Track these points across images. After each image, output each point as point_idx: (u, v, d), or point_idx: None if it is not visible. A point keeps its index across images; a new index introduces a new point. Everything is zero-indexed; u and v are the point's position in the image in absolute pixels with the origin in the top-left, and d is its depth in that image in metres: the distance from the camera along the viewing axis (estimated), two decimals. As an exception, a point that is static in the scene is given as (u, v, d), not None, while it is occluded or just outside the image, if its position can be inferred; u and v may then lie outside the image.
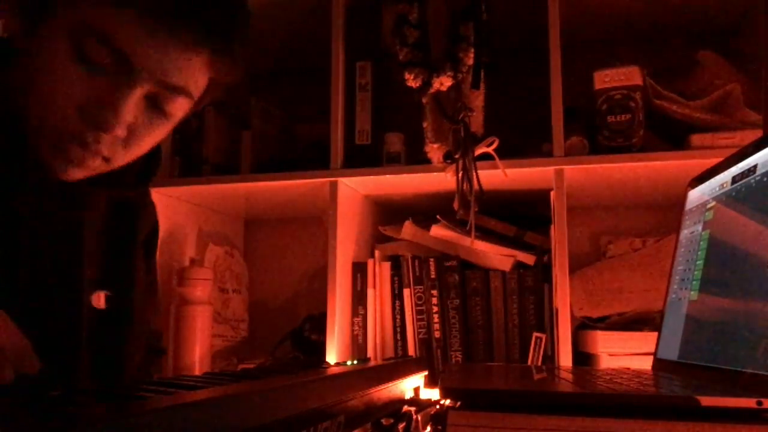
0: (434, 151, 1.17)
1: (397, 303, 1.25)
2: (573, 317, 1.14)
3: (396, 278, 1.26)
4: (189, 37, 0.63)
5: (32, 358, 0.54)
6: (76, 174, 0.68)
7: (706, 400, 0.49)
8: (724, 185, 0.76)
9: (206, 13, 0.64)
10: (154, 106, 0.67)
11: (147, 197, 0.89)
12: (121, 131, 0.65)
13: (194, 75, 0.66)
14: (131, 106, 0.64)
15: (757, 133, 1.08)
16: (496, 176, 1.15)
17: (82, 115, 0.63)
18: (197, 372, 1.25)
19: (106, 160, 0.68)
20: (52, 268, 0.71)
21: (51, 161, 0.66)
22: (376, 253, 1.28)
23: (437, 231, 1.26)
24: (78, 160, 0.66)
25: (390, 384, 0.66)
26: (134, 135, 0.67)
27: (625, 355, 1.09)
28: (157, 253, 0.92)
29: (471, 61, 1.13)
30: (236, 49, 0.69)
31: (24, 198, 0.69)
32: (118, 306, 0.77)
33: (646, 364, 0.90)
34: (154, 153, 0.80)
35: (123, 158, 0.69)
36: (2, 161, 0.67)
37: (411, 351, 1.23)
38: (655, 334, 0.87)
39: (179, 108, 0.68)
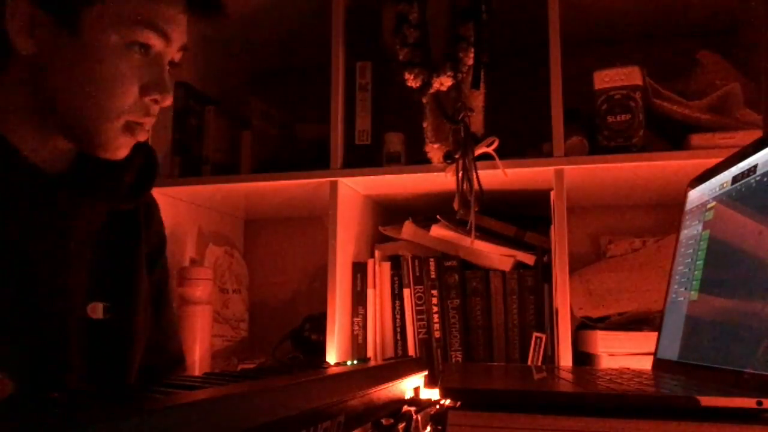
0: (434, 151, 1.17)
1: (397, 303, 1.25)
2: (573, 317, 1.14)
3: (396, 278, 1.26)
4: (191, 4, 0.76)
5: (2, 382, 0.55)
6: (126, 150, 0.76)
7: (706, 400, 0.49)
8: (724, 185, 0.76)
9: None
10: (171, 66, 0.77)
11: (151, 210, 0.89)
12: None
13: (187, 30, 0.78)
14: (169, 74, 0.76)
15: (757, 133, 1.08)
16: (496, 176, 1.15)
17: (145, 93, 0.73)
18: (197, 372, 1.25)
19: (147, 130, 0.77)
20: (37, 276, 0.70)
21: (111, 142, 0.73)
22: (376, 253, 1.28)
23: (437, 231, 1.26)
24: (139, 133, 0.75)
25: (390, 384, 0.66)
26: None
27: (625, 355, 1.09)
28: (167, 270, 0.93)
29: (471, 61, 1.13)
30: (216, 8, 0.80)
31: (13, 203, 0.69)
32: (117, 317, 0.77)
33: (646, 364, 0.90)
34: (147, 166, 0.83)
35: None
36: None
37: (411, 351, 1.23)
38: (655, 334, 0.87)
39: (182, 61, 0.79)
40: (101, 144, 0.73)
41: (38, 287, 0.70)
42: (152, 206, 0.90)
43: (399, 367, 0.74)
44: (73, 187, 0.74)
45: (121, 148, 0.75)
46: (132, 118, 0.73)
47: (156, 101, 0.74)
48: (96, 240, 0.78)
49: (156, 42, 0.72)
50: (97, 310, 0.75)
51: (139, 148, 0.81)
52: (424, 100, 1.18)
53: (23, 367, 0.65)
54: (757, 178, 0.68)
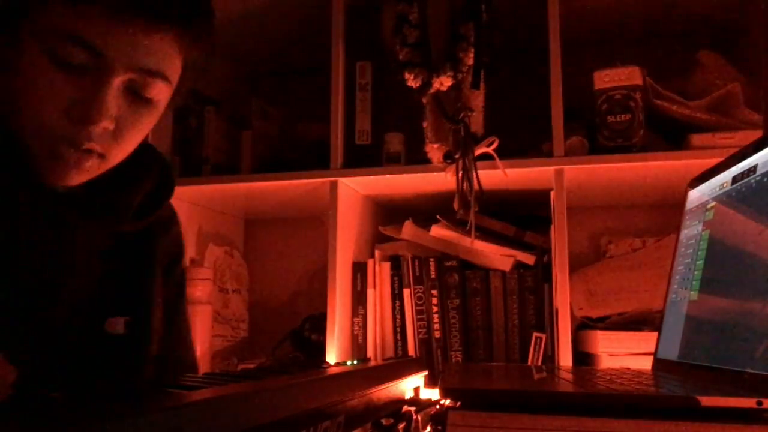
0: (434, 151, 1.17)
1: (397, 303, 1.25)
2: (573, 317, 1.14)
3: (396, 278, 1.26)
4: (152, 18, 0.65)
5: (6, 367, 0.55)
6: (75, 178, 0.68)
7: (706, 400, 0.49)
8: (725, 185, 0.76)
9: None
10: (135, 94, 0.68)
11: (170, 224, 0.87)
12: (108, 123, 0.66)
13: (165, 56, 0.68)
14: (113, 97, 0.65)
15: (757, 133, 1.08)
16: (496, 176, 1.15)
17: (69, 116, 0.64)
18: (197, 372, 1.25)
19: (101, 156, 0.68)
20: (38, 288, 0.69)
21: (48, 168, 0.67)
22: (376, 253, 1.28)
23: (437, 231, 1.26)
24: (74, 161, 0.67)
25: (390, 384, 0.66)
26: (122, 126, 0.68)
27: (625, 355, 1.09)
28: (185, 286, 0.91)
29: (471, 61, 1.13)
30: (201, 23, 0.71)
31: (16, 212, 0.68)
32: (133, 331, 0.76)
33: (646, 364, 0.90)
34: (162, 184, 0.81)
35: (117, 152, 0.70)
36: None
37: (411, 351, 1.23)
38: (655, 334, 0.87)
39: (159, 92, 0.69)
40: (35, 169, 0.67)
41: (39, 298, 0.69)
42: (173, 216, 0.89)
43: (399, 367, 0.74)
44: (74, 207, 0.72)
45: (56, 177, 0.67)
46: (60, 143, 0.65)
47: (81, 121, 0.64)
48: (109, 253, 0.76)
49: (83, 58, 0.63)
50: (117, 324, 0.74)
51: (154, 165, 0.80)
52: (424, 100, 1.18)
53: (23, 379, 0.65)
54: (757, 178, 0.68)
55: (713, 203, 0.78)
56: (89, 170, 0.69)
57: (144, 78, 0.67)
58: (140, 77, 0.66)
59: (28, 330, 0.68)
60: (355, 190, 1.30)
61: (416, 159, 1.21)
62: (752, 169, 0.69)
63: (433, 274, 1.23)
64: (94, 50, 0.63)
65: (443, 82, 1.14)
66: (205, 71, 0.76)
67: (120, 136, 0.68)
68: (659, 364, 0.84)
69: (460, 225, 1.22)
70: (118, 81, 0.65)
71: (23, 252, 0.69)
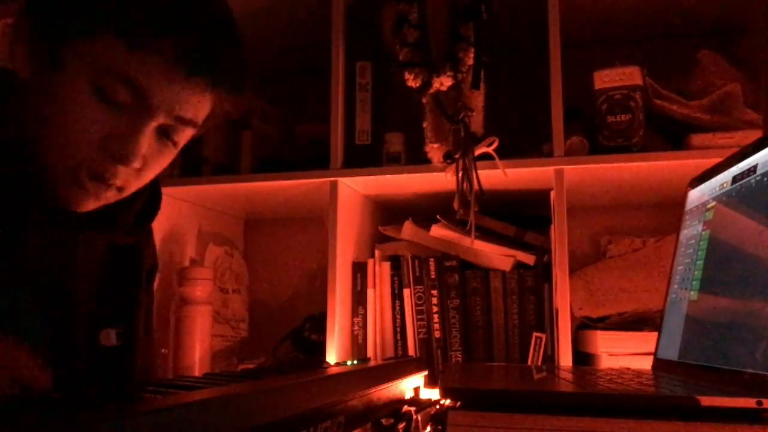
0: (434, 151, 1.17)
1: (397, 303, 1.25)
2: (573, 317, 1.14)
3: (396, 278, 1.26)
4: (205, 80, 0.68)
5: (45, 370, 0.56)
6: (90, 206, 0.70)
7: (706, 400, 0.49)
8: (725, 185, 0.76)
9: (220, 56, 0.69)
10: (164, 135, 0.71)
11: (150, 233, 0.89)
12: (138, 163, 0.68)
13: (202, 108, 0.71)
14: (146, 139, 0.68)
15: (757, 133, 1.08)
16: (496, 176, 1.15)
17: (102, 149, 0.66)
18: (197, 372, 1.25)
19: (119, 189, 0.71)
20: (43, 305, 0.70)
21: (66, 192, 0.68)
22: (376, 253, 1.28)
23: (437, 231, 1.26)
24: (94, 190, 0.69)
25: (390, 384, 0.66)
26: (146, 164, 0.71)
27: (625, 355, 1.09)
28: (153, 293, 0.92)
29: (471, 61, 1.13)
30: (246, 86, 0.75)
31: (24, 229, 0.69)
32: (123, 341, 0.77)
33: (646, 364, 0.90)
34: (152, 197, 0.82)
35: (135, 186, 0.73)
36: (7, 191, 0.67)
37: (411, 351, 1.23)
38: (655, 334, 0.87)
39: (186, 137, 0.73)
40: (53, 191, 0.68)
41: (51, 309, 0.70)
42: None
43: (399, 367, 0.74)
44: (77, 222, 0.73)
45: (73, 202, 0.69)
46: (86, 172, 0.67)
47: (113, 157, 0.66)
48: (104, 265, 0.78)
49: (127, 97, 0.65)
50: (110, 336, 0.75)
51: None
52: (424, 100, 1.18)
53: None
54: (757, 178, 0.68)
55: (713, 203, 0.78)
56: (106, 200, 0.71)
57: (178, 125, 0.70)
58: (175, 124, 0.69)
59: (43, 340, 0.69)
60: (355, 190, 1.30)
61: (416, 159, 1.21)
62: (752, 169, 0.69)
63: (433, 274, 1.23)
64: (139, 92, 0.65)
65: (443, 82, 1.14)
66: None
67: (143, 173, 0.71)
68: (659, 364, 0.84)
69: (460, 225, 1.22)
70: (155, 124, 0.68)
71: (31, 265, 0.69)
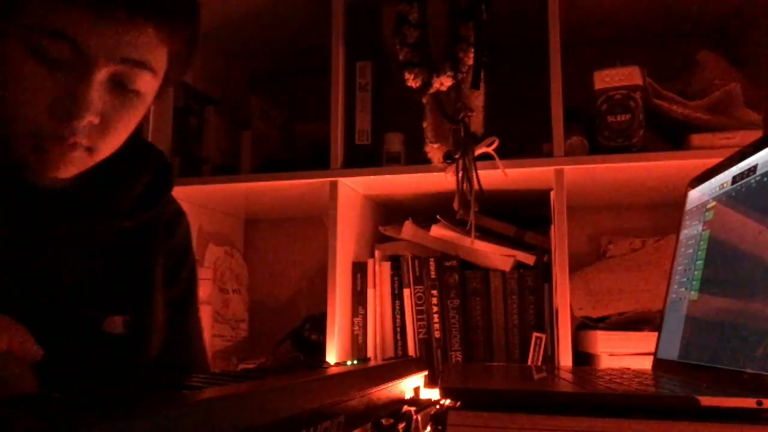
0: (434, 151, 1.17)
1: (397, 303, 1.25)
2: (573, 317, 1.14)
3: (396, 278, 1.26)
4: (132, 9, 0.64)
5: (35, 345, 0.56)
6: (61, 170, 0.68)
7: (706, 400, 0.49)
8: (724, 185, 0.76)
9: None
10: (121, 86, 0.68)
11: (178, 220, 0.87)
12: (93, 117, 0.66)
13: (148, 47, 0.67)
14: (96, 92, 0.65)
15: (757, 133, 1.08)
16: (496, 176, 1.15)
17: (52, 112, 0.64)
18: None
19: (89, 150, 0.68)
20: (23, 283, 0.69)
21: (33, 162, 0.67)
22: (376, 253, 1.28)
23: (437, 231, 1.26)
24: (58, 153, 0.67)
25: (390, 384, 0.66)
26: (109, 120, 0.68)
27: (625, 355, 1.09)
28: (195, 288, 0.89)
29: (471, 61, 1.13)
30: (182, 13, 0.70)
31: (6, 210, 0.68)
32: (131, 330, 0.75)
33: (646, 364, 0.90)
34: (159, 180, 0.80)
35: (105, 145, 0.70)
36: None
37: (411, 351, 1.23)
38: (655, 334, 0.87)
39: (145, 84, 0.69)
40: (22, 164, 0.67)
41: (32, 293, 0.69)
42: (180, 216, 0.88)
43: (399, 367, 0.74)
44: (63, 204, 0.72)
45: (42, 170, 0.67)
46: (45, 138, 0.65)
47: (66, 116, 0.64)
48: (111, 248, 0.76)
49: (65, 53, 0.63)
50: (115, 323, 0.73)
51: (151, 160, 0.79)
52: (424, 100, 1.18)
53: None
54: (757, 178, 0.68)
55: (713, 203, 0.78)
56: (76, 163, 0.69)
57: (128, 70, 0.67)
58: (124, 69, 0.66)
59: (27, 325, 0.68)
60: (355, 190, 1.30)
61: (416, 159, 1.21)
62: (752, 169, 0.69)
63: (433, 274, 1.23)
64: (75, 44, 0.63)
65: (443, 82, 1.14)
66: (194, 64, 0.75)
67: (107, 129, 0.68)
68: (659, 364, 0.84)
69: (460, 225, 1.22)
70: (101, 75, 0.65)
71: (10, 249, 0.68)
